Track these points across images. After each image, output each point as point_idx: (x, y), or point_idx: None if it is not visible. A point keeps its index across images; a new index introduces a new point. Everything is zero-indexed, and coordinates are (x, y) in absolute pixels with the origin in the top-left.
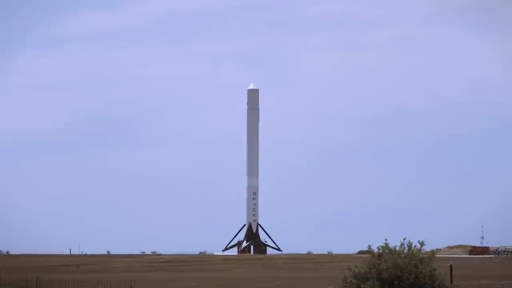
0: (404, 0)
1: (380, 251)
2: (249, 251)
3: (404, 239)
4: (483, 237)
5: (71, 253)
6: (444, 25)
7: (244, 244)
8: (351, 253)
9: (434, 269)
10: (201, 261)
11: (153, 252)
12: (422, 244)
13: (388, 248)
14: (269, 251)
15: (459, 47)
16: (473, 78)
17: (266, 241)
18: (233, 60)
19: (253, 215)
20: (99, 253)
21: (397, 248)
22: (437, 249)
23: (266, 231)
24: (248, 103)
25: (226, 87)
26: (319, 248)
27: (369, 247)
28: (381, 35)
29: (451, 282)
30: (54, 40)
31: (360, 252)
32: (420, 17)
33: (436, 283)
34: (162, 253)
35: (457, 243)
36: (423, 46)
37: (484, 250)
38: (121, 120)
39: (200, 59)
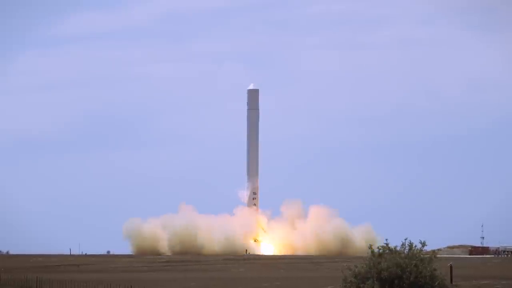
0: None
1: (381, 251)
2: None
3: (406, 239)
4: (483, 237)
5: (71, 253)
6: (444, 25)
7: None
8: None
9: (435, 269)
10: (201, 261)
11: None
12: (423, 244)
13: (389, 248)
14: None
15: (460, 47)
16: (473, 78)
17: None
18: (233, 60)
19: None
20: (99, 253)
21: (398, 249)
22: (438, 249)
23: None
24: (248, 103)
25: (226, 87)
26: None
27: (370, 246)
28: (381, 35)
29: (451, 282)
30: (54, 40)
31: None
32: (420, 17)
33: (436, 283)
34: None
35: (457, 243)
36: (423, 46)
37: (485, 250)
38: (121, 120)
39: (200, 59)
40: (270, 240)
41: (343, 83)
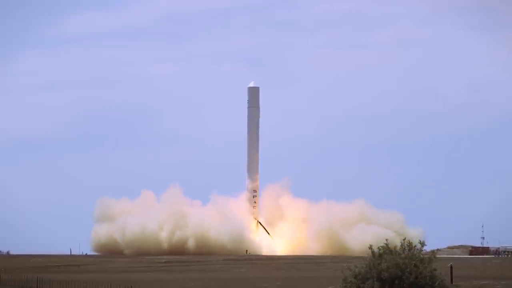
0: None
1: (381, 251)
2: None
3: (404, 239)
4: (483, 237)
5: (71, 253)
6: (446, 25)
7: None
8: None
9: (435, 270)
10: (201, 261)
11: None
12: (422, 244)
13: (388, 248)
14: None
15: (461, 47)
16: (474, 78)
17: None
18: (233, 60)
19: (253, 215)
20: (99, 253)
21: (398, 249)
22: (437, 249)
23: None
24: (249, 101)
25: (226, 87)
26: None
27: (370, 247)
28: (383, 35)
29: (451, 282)
30: (54, 40)
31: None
32: (422, 17)
33: (437, 283)
34: None
35: (457, 243)
36: (424, 46)
37: (485, 250)
38: (121, 120)
39: (200, 59)
40: (273, 239)
41: (345, 83)
